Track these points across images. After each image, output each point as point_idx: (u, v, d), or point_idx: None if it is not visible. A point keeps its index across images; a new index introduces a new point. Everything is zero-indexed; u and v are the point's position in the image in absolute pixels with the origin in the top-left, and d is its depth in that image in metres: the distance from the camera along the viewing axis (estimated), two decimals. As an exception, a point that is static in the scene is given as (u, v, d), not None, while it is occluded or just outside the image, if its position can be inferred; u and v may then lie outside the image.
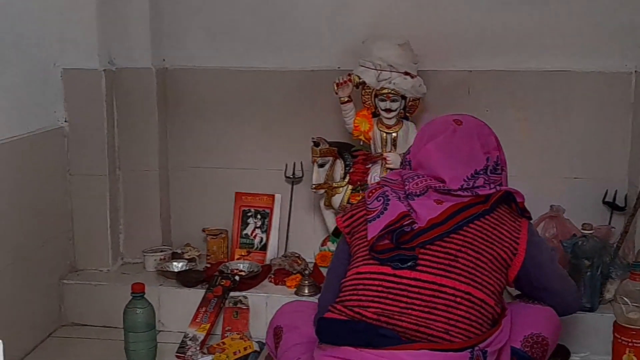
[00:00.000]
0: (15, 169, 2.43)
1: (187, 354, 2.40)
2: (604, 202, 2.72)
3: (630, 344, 2.11)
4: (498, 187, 1.97)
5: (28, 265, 2.49)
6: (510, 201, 1.97)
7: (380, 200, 1.94)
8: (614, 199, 2.70)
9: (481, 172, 1.97)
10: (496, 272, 1.86)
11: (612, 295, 2.32)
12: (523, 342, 1.91)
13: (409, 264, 1.81)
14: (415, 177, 1.99)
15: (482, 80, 2.76)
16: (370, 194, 1.98)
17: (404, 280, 1.80)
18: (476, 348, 1.72)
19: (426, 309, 1.76)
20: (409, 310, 1.76)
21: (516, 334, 1.90)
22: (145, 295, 2.32)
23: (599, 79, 2.69)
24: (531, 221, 2.03)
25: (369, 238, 1.87)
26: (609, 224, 2.67)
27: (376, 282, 1.82)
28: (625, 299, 2.12)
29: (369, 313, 1.76)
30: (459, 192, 1.94)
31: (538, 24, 2.72)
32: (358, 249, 1.94)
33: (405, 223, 1.85)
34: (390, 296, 1.79)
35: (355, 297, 1.83)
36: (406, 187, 1.97)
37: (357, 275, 1.88)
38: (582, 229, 2.42)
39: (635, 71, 2.67)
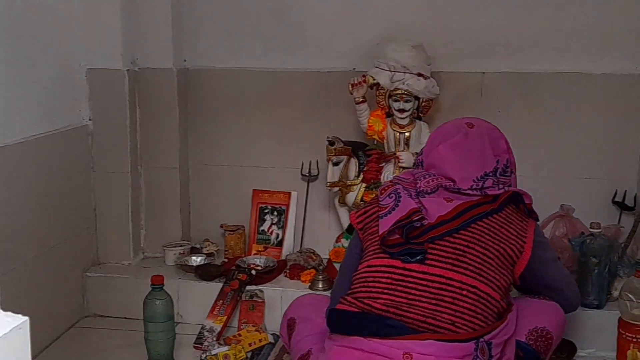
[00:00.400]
0: (41, 165, 2.49)
1: (204, 344, 2.44)
2: (614, 202, 2.74)
3: (634, 340, 2.14)
4: (507, 188, 2.01)
5: (53, 258, 2.56)
6: (518, 202, 2.01)
7: (392, 197, 1.99)
8: (624, 198, 2.72)
9: (490, 174, 2.01)
10: (502, 268, 1.90)
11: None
12: (527, 336, 1.94)
13: (418, 257, 1.86)
14: (427, 176, 2.04)
15: (495, 81, 2.79)
16: (383, 191, 2.04)
17: (413, 274, 1.85)
18: (481, 339, 1.76)
19: (433, 301, 1.80)
20: (417, 302, 1.81)
21: (521, 328, 1.93)
22: (164, 288, 2.37)
23: (609, 80, 2.72)
24: (538, 222, 2.07)
25: (380, 232, 1.92)
26: (618, 223, 2.69)
27: (386, 275, 1.87)
28: (630, 295, 2.15)
29: (378, 304, 1.81)
30: (469, 192, 1.98)
31: (550, 26, 2.74)
32: (370, 243, 1.99)
33: (415, 219, 1.90)
34: (399, 288, 1.84)
35: (365, 289, 1.88)
36: (418, 185, 2.02)
37: (368, 268, 1.93)
38: (590, 228, 2.45)
39: (646, 73, 2.70)
